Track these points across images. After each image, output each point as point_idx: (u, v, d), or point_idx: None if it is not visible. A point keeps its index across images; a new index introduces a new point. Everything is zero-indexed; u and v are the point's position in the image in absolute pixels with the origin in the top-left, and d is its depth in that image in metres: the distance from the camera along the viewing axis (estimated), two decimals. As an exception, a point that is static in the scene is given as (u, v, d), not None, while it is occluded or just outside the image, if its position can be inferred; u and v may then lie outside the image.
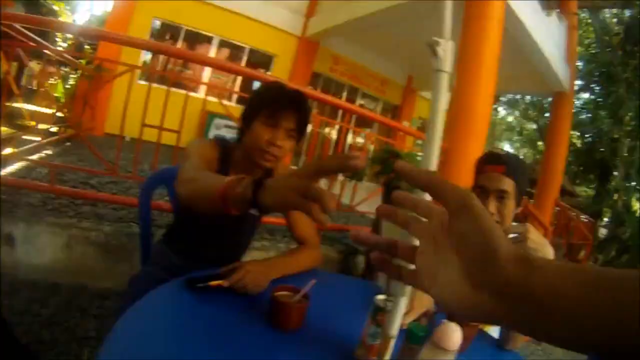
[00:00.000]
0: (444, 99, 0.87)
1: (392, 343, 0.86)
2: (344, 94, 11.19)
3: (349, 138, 8.18)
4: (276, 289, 1.06)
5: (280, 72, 9.47)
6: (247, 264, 1.16)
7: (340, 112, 6.45)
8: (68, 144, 5.48)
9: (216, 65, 3.62)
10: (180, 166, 1.10)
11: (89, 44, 9.52)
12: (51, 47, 4.83)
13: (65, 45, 11.45)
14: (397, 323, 0.84)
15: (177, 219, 1.55)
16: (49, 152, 4.68)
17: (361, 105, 11.19)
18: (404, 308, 0.83)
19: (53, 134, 5.43)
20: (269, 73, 9.28)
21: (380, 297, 0.96)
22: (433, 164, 0.89)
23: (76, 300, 2.35)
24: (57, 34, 8.38)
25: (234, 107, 7.49)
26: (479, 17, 4.69)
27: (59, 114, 5.67)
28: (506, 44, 4.89)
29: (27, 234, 2.45)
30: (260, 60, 9.65)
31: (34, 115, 5.30)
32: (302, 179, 0.57)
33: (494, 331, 1.47)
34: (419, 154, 4.78)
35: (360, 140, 8.27)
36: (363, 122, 6.37)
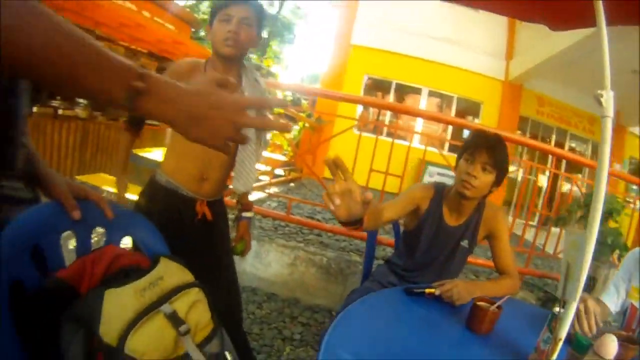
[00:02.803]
0: (609, 139, 1.06)
1: (560, 345, 0.98)
2: (553, 137, 10.39)
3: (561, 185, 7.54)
4: (477, 299, 1.27)
5: (488, 118, 9.39)
6: (456, 280, 1.42)
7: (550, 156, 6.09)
8: (292, 184, 6.50)
9: (424, 116, 3.92)
10: None
11: (305, 99, 11.04)
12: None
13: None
14: (566, 327, 0.97)
15: (400, 248, 1.90)
16: (276, 189, 5.65)
17: (571, 148, 10.20)
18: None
19: (279, 175, 6.51)
20: (477, 120, 9.32)
21: (558, 308, 1.10)
22: (602, 192, 1.04)
23: (288, 309, 2.84)
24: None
25: (446, 155, 7.73)
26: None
27: (285, 159, 6.74)
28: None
29: (257, 251, 3.08)
30: (469, 108, 9.73)
31: (266, 160, 6.49)
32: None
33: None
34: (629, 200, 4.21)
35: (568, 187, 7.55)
36: (574, 166, 5.87)
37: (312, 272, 3.03)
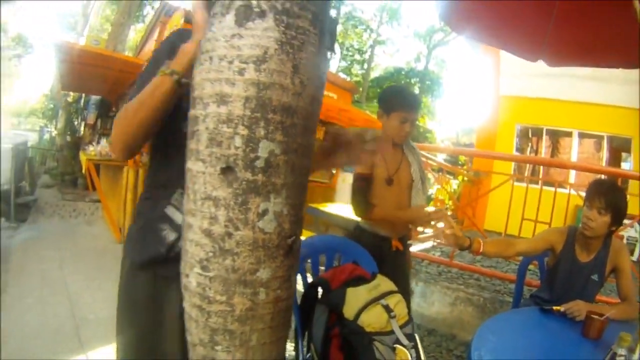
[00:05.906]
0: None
1: None
2: None
3: None
4: (591, 312, 1.59)
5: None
6: (578, 300, 1.78)
7: None
8: (452, 236, 6.72)
9: (574, 168, 4.04)
10: None
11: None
12: (435, 159, 6.30)
13: (443, 156, 13.94)
14: None
15: (543, 283, 2.28)
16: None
17: None
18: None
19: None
20: (630, 157, 8.46)
21: None
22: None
23: (445, 342, 3.17)
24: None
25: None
26: None
27: (448, 212, 7.00)
28: None
29: (423, 291, 3.53)
30: (620, 145, 8.79)
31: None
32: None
33: None
34: None
35: None
36: None
37: (469, 311, 3.34)
